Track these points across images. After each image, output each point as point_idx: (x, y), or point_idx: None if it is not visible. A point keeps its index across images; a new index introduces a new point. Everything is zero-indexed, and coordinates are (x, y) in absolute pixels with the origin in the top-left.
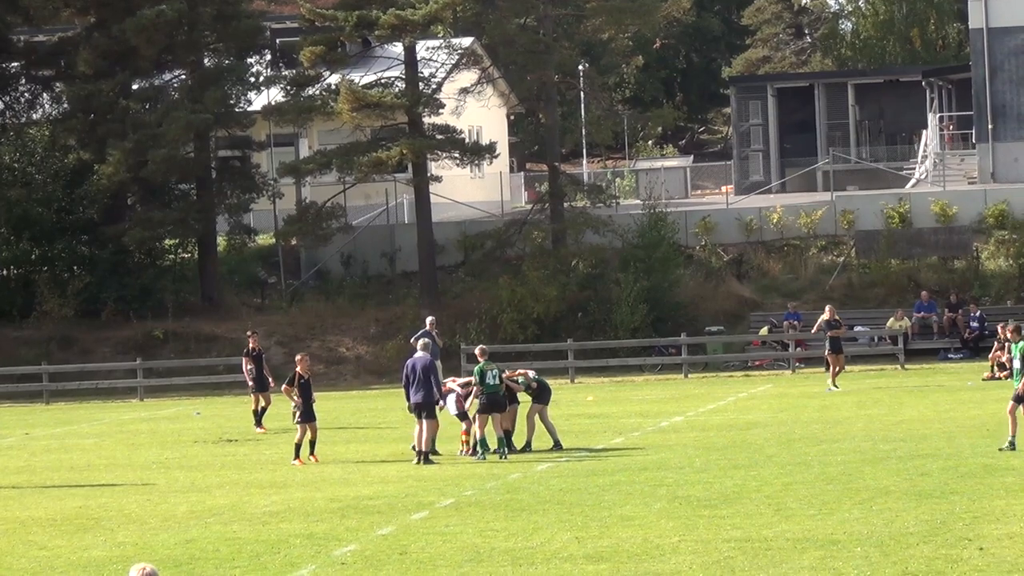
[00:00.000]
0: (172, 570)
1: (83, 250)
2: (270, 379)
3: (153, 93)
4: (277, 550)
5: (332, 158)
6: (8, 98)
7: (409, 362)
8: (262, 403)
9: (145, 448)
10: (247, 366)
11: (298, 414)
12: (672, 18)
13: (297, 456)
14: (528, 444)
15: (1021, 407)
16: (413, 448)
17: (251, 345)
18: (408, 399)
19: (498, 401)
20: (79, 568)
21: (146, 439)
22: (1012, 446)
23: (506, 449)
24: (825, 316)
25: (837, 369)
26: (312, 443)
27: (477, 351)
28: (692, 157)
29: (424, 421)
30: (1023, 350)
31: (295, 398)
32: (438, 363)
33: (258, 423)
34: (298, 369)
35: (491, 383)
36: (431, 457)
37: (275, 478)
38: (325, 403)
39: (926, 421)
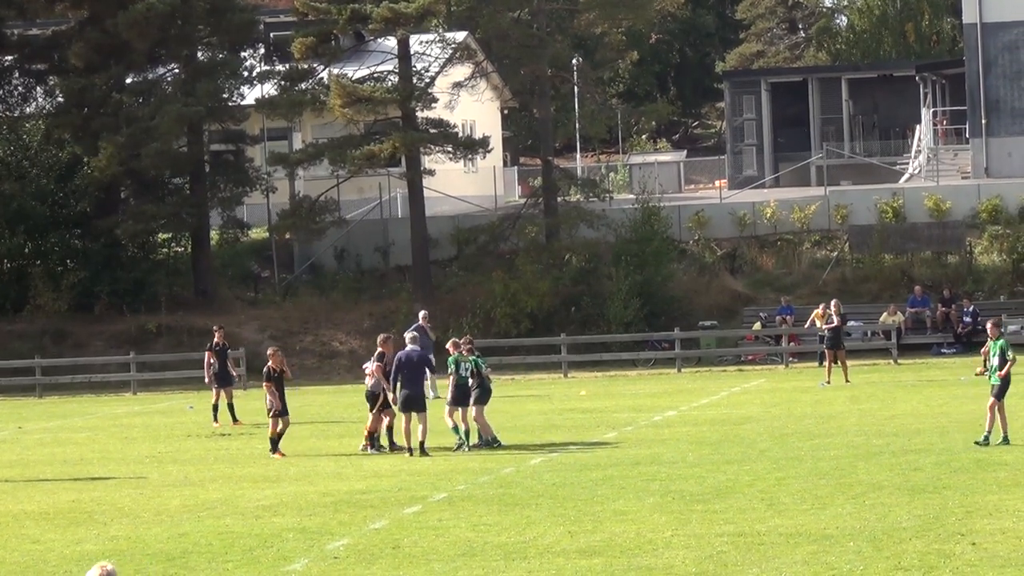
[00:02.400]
0: (165, 564)
1: (76, 244)
2: (234, 374)
3: (146, 87)
4: (270, 544)
5: (324, 151)
6: (2, 92)
7: (401, 354)
8: (224, 399)
9: (138, 442)
10: (209, 360)
11: (273, 409)
12: (666, 13)
13: (275, 449)
14: (495, 439)
15: (998, 403)
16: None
17: (216, 340)
18: (395, 391)
19: (467, 394)
20: (72, 561)
21: (139, 433)
22: (987, 441)
23: (467, 441)
24: (832, 310)
25: (839, 364)
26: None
27: (450, 345)
28: (686, 152)
29: (414, 415)
30: (1003, 347)
31: (273, 393)
32: (431, 356)
33: (215, 418)
34: (271, 364)
35: (462, 375)
36: (379, 447)
37: (268, 472)
38: (318, 397)
39: (919, 416)
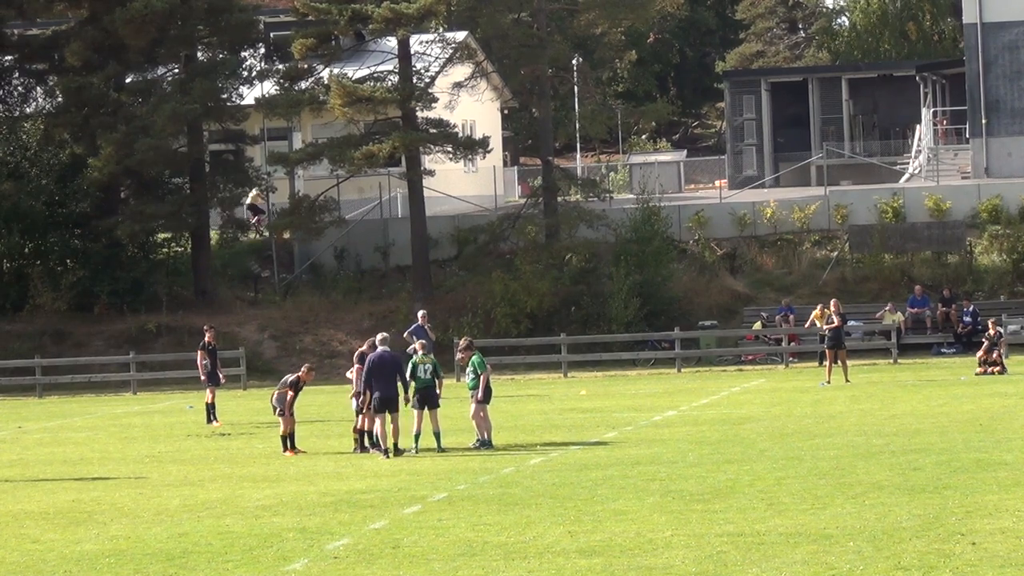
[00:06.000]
0: (165, 564)
1: (76, 244)
2: (221, 375)
3: (146, 87)
4: (270, 544)
5: (323, 150)
6: (1, 92)
7: (373, 356)
8: (208, 396)
9: (138, 442)
10: (202, 360)
11: (279, 408)
12: (666, 12)
13: (291, 447)
14: (487, 441)
15: None
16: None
17: (207, 339)
18: (371, 392)
19: (430, 397)
20: (71, 561)
21: (139, 433)
22: None
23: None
24: (832, 309)
25: (839, 364)
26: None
27: (417, 345)
28: (686, 151)
29: (388, 415)
30: None
31: (289, 396)
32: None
33: (212, 417)
34: (303, 377)
35: (422, 378)
36: (371, 450)
37: (268, 472)
38: (318, 397)
39: (919, 416)
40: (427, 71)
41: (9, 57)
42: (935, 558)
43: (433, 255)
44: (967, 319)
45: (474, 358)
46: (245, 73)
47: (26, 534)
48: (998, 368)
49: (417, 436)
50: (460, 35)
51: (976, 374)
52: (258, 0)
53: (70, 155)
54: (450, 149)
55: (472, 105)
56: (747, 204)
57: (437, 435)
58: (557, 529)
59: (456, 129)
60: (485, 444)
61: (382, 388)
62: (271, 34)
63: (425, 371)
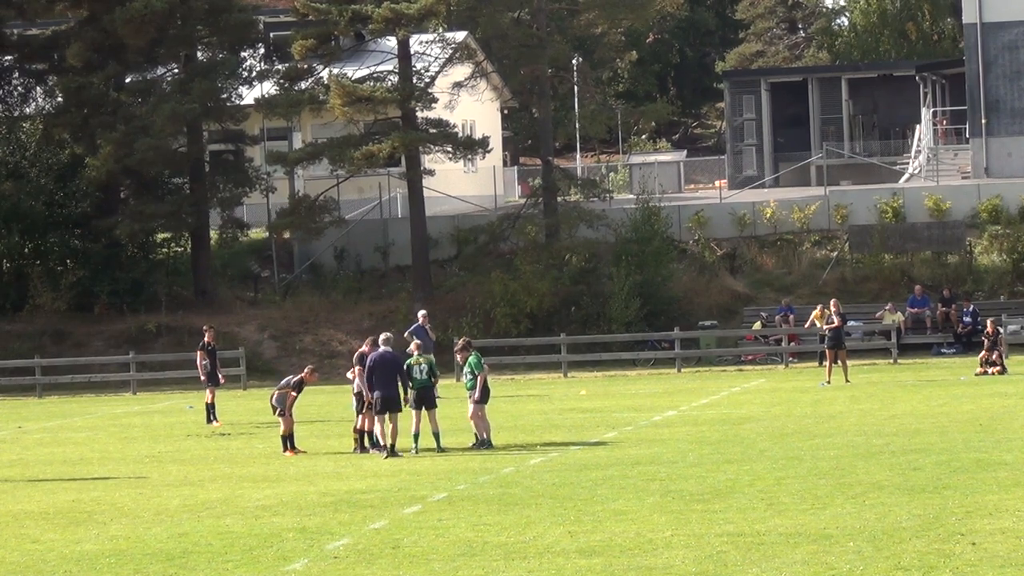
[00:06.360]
0: (165, 564)
1: (76, 244)
2: (220, 376)
3: (145, 86)
4: (270, 544)
5: (323, 150)
6: (2, 91)
7: (375, 355)
8: (208, 397)
9: (138, 442)
10: (202, 360)
11: (279, 409)
12: (665, 12)
13: (291, 447)
14: (486, 440)
15: None
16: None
17: (207, 339)
18: (371, 392)
19: (427, 397)
20: (71, 561)
21: (139, 433)
22: None
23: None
24: (832, 309)
25: (839, 364)
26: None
27: (413, 346)
28: (686, 151)
29: (389, 415)
30: None
31: (291, 398)
32: (431, 356)
33: (212, 417)
34: (306, 378)
35: (418, 378)
36: (371, 450)
37: (268, 472)
38: (318, 397)
39: (919, 416)
40: (427, 71)
41: (9, 57)
42: (935, 558)
43: (433, 255)
44: (967, 319)
45: (471, 358)
46: (245, 73)
47: (26, 534)
48: (998, 368)
49: (416, 436)
50: (460, 35)
51: (976, 374)
52: (258, 0)
53: (70, 155)
54: (450, 149)
55: (472, 105)
56: (747, 204)
57: (436, 435)
58: (557, 529)
59: (456, 129)
60: (484, 444)
61: (383, 388)
62: (271, 34)
63: (421, 371)
